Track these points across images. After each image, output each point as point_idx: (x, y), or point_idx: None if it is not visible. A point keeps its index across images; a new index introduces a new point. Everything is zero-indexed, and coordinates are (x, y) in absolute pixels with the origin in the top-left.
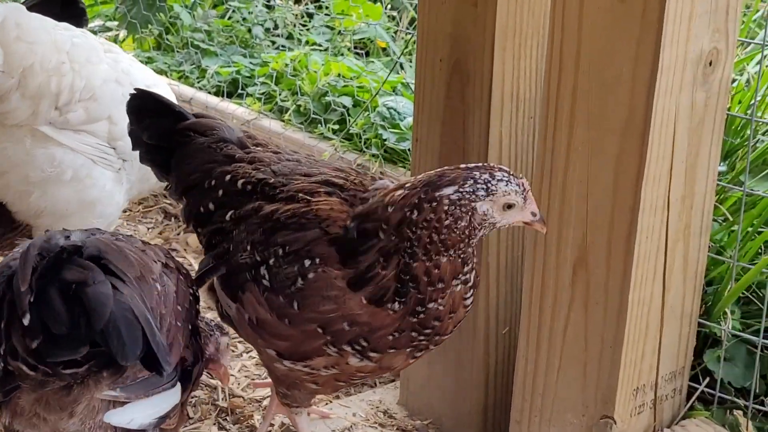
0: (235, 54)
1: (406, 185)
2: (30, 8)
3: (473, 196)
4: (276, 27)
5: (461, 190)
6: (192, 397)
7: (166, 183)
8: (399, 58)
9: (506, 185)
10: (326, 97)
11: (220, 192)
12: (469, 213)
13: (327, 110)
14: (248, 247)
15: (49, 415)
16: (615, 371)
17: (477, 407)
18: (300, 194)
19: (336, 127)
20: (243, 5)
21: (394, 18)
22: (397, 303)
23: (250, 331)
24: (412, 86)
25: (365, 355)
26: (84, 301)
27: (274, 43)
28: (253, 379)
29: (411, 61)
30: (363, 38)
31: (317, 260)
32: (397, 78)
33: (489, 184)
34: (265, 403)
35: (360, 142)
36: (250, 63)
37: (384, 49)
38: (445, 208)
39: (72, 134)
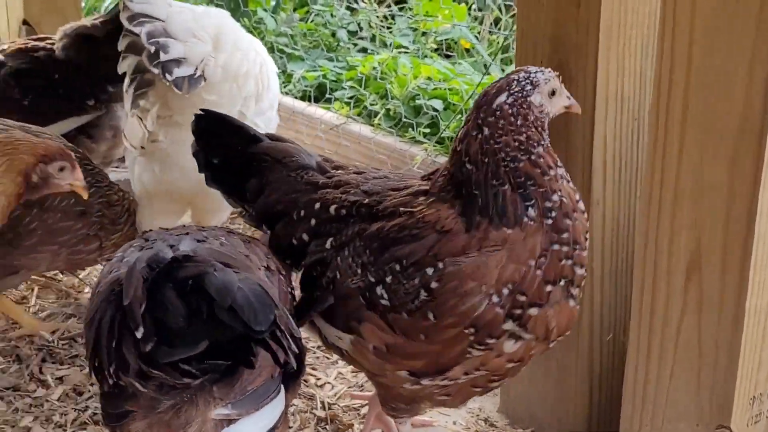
0: (319, 58)
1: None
2: None
3: (524, 92)
4: (360, 29)
5: (511, 92)
6: (291, 406)
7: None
8: (492, 59)
9: (543, 74)
10: (416, 101)
11: (312, 221)
12: (528, 107)
13: (417, 114)
14: (358, 271)
15: None
16: (731, 379)
17: (581, 416)
18: (400, 208)
19: (427, 130)
20: (326, 8)
21: (476, 18)
22: (528, 209)
23: (375, 359)
24: None
25: (523, 322)
26: (206, 285)
27: (355, 45)
28: (350, 388)
29: (498, 62)
30: (447, 39)
31: (445, 261)
32: (488, 79)
33: (531, 78)
34: (364, 411)
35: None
36: (335, 67)
37: (468, 50)
38: (508, 111)
39: None
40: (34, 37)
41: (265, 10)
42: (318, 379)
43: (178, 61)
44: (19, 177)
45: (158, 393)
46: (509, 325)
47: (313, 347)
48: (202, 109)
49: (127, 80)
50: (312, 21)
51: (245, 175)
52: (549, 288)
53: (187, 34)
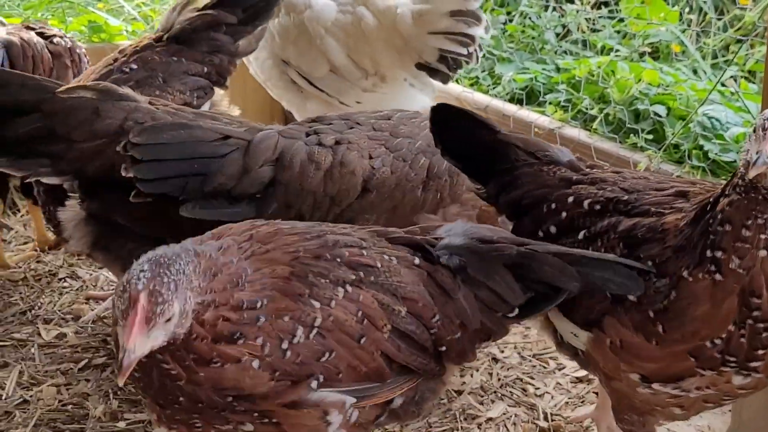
0: (527, 60)
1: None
2: None
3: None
4: (567, 32)
5: None
6: (512, 415)
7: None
8: (729, 66)
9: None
10: (634, 105)
11: (563, 214)
12: None
13: (638, 119)
14: None
15: None
16: None
17: None
18: (653, 208)
19: (649, 137)
20: (532, 10)
21: (683, 21)
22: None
23: (612, 356)
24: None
25: (746, 367)
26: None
27: (560, 47)
28: (570, 399)
29: (709, 67)
30: (654, 43)
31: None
32: (708, 84)
33: None
34: (587, 423)
35: (676, 153)
36: (543, 69)
37: (675, 54)
38: None
39: None
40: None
41: None
42: (537, 388)
43: None
44: None
45: None
46: (730, 368)
47: (529, 356)
48: (439, 104)
49: None
50: (517, 23)
51: (487, 161)
52: None
53: None
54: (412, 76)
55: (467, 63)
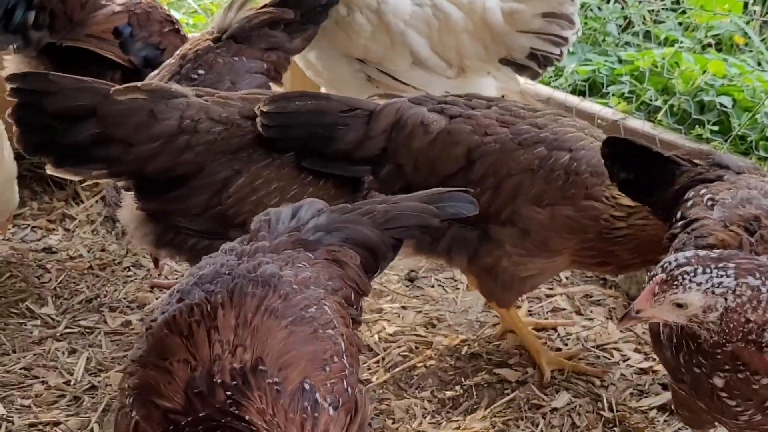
0: (589, 52)
1: None
2: None
3: None
4: (630, 24)
5: None
6: (577, 405)
7: None
8: None
9: None
10: (699, 97)
11: None
12: None
13: (701, 111)
14: None
15: None
16: None
17: None
18: None
19: (714, 128)
20: (594, 2)
21: (747, 12)
22: None
23: None
24: None
25: None
26: None
27: (620, 39)
28: (635, 390)
29: None
30: (717, 35)
31: None
32: None
33: None
34: (652, 414)
35: (742, 144)
36: (605, 61)
37: (739, 46)
38: None
39: None
40: None
41: None
42: (602, 380)
43: None
44: None
45: None
46: None
47: (592, 347)
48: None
49: None
50: (578, 14)
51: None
52: None
53: None
54: (496, 69)
55: (558, 61)
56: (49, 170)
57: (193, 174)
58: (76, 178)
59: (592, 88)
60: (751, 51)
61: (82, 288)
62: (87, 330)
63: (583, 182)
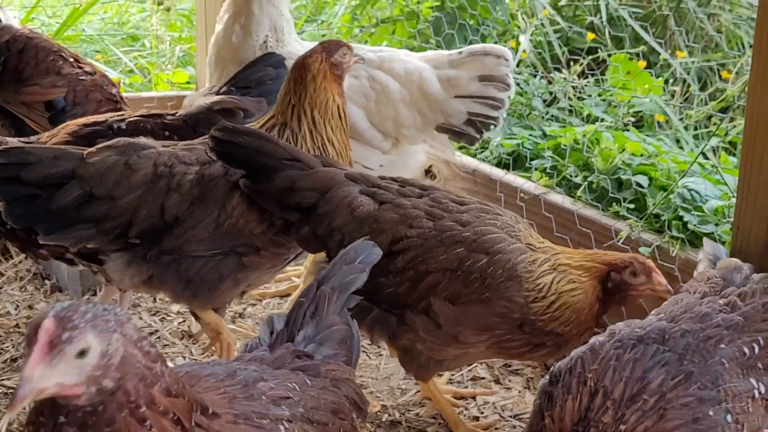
0: (515, 125)
1: None
2: None
3: None
4: (554, 100)
5: None
6: None
7: None
8: (711, 137)
9: None
10: (618, 174)
11: None
12: None
13: (619, 188)
14: None
15: None
16: None
17: None
18: None
19: (631, 206)
20: (521, 77)
21: (667, 92)
22: None
23: None
24: (707, 166)
25: None
26: None
27: (547, 113)
28: None
29: (691, 138)
30: (639, 112)
31: None
32: (689, 156)
33: None
34: None
35: (656, 222)
36: (530, 135)
37: (659, 124)
38: None
39: None
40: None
41: None
42: None
43: None
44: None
45: None
46: None
47: (509, 416)
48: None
49: None
50: None
51: None
52: None
53: None
54: (432, 137)
55: (494, 126)
56: (41, 239)
57: (190, 205)
58: (71, 247)
59: (516, 161)
60: (671, 129)
61: (7, 347)
62: (11, 390)
63: (498, 286)
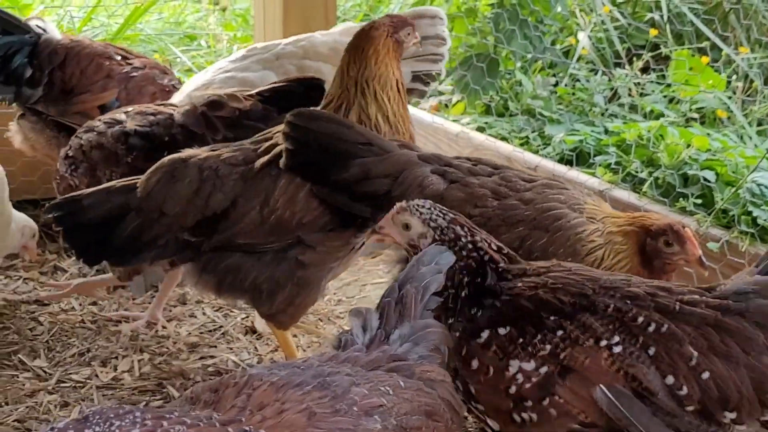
0: (576, 122)
1: None
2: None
3: None
4: (615, 96)
5: None
6: None
7: None
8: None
9: None
10: (683, 170)
11: None
12: None
13: (687, 183)
14: None
15: None
16: None
17: None
18: None
19: (698, 201)
20: (582, 73)
21: (729, 88)
22: None
23: None
24: None
25: None
26: None
27: (607, 110)
28: None
29: (755, 134)
30: (702, 107)
31: None
32: (757, 152)
33: None
34: None
35: (724, 218)
36: (592, 131)
37: (722, 120)
38: None
39: None
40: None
41: (523, 72)
42: None
43: None
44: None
45: None
46: None
47: None
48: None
49: None
50: (566, 84)
51: None
52: None
53: None
54: None
55: (439, 76)
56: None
57: (234, 202)
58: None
59: (578, 157)
60: (734, 125)
61: (73, 341)
62: (79, 384)
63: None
